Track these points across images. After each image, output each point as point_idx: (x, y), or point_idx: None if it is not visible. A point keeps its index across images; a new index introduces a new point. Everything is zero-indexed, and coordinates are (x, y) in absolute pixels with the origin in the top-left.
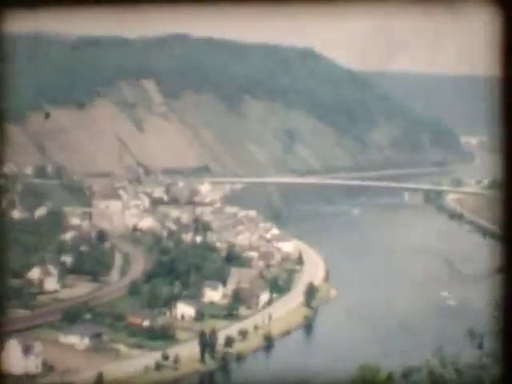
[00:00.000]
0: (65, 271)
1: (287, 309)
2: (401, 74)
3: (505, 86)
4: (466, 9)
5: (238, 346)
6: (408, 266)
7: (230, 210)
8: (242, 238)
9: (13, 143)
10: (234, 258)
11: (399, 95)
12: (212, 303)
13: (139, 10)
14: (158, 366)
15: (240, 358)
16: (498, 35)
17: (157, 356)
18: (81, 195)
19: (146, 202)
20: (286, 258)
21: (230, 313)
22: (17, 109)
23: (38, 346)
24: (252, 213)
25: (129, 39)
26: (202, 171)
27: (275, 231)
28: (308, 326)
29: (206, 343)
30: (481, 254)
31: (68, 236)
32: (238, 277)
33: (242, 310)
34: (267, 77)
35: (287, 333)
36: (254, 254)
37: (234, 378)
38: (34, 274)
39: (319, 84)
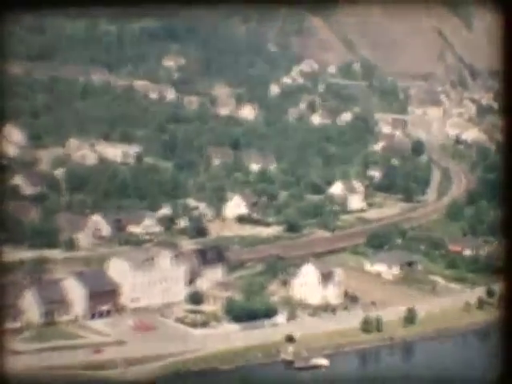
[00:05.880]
0: (372, 188)
1: None
2: None
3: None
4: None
5: None
6: None
7: None
8: None
9: (316, 38)
10: None
11: None
12: None
13: None
14: (481, 304)
15: None
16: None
17: (480, 291)
18: (394, 100)
19: (473, 110)
20: None
21: None
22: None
23: (339, 274)
24: None
25: None
26: None
27: None
28: None
29: None
30: None
31: (377, 147)
32: None
33: None
34: None
35: None
36: None
37: None
38: (337, 189)
39: None
